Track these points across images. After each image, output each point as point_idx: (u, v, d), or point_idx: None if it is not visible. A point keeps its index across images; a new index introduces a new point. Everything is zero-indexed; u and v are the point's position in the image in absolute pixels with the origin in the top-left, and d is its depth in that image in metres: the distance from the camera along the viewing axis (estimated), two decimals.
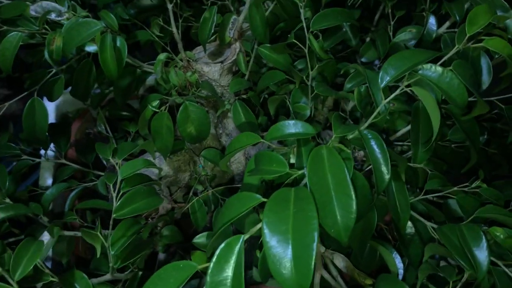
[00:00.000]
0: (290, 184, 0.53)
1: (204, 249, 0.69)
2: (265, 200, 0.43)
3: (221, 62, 0.83)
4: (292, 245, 0.39)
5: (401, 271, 0.64)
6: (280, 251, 0.39)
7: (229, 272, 0.40)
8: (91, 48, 0.69)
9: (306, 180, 0.47)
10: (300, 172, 0.50)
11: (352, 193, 0.46)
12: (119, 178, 0.55)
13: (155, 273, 0.42)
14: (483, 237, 0.53)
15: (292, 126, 0.55)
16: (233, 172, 0.88)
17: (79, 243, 0.85)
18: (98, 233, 0.57)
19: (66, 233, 0.68)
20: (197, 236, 0.69)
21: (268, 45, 0.79)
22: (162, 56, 0.79)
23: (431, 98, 0.50)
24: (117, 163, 0.58)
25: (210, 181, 0.82)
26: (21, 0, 0.68)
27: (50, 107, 0.95)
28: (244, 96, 0.83)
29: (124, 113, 0.88)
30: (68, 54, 0.64)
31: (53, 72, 0.71)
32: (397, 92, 0.52)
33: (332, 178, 0.47)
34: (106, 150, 0.59)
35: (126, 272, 0.65)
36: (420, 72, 0.51)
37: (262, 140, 0.55)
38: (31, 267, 0.47)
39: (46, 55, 0.66)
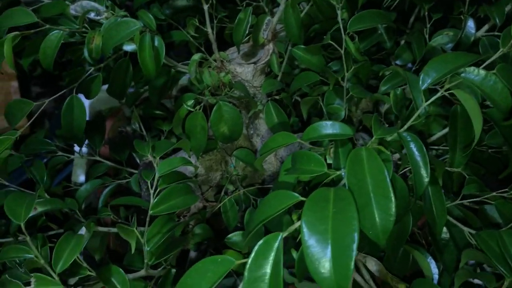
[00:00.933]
0: (327, 184, 0.52)
1: (236, 248, 0.69)
2: (303, 199, 0.43)
3: (254, 63, 0.83)
4: (331, 245, 0.39)
5: (436, 276, 0.63)
6: (319, 251, 0.39)
7: (267, 269, 0.40)
8: (129, 47, 0.70)
9: (344, 181, 0.47)
10: (338, 173, 0.50)
11: (392, 195, 0.45)
12: (157, 175, 0.56)
13: (192, 267, 0.42)
14: None
15: (329, 127, 0.55)
16: (266, 173, 0.88)
17: (110, 239, 0.86)
18: (134, 229, 0.57)
19: (100, 229, 0.69)
20: (230, 235, 0.69)
21: (302, 46, 0.79)
22: (196, 57, 0.80)
23: (473, 102, 0.49)
24: (154, 161, 0.58)
25: (241, 181, 0.82)
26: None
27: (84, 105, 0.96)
28: (277, 97, 0.83)
29: (158, 112, 0.89)
30: (107, 53, 0.65)
31: (91, 70, 0.73)
32: (438, 94, 0.52)
33: (371, 179, 0.46)
34: (144, 148, 0.60)
35: (159, 269, 0.65)
36: (462, 75, 0.50)
37: (298, 140, 0.55)
38: (72, 260, 0.48)
39: (86, 53, 0.67)
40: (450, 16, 0.82)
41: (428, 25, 0.80)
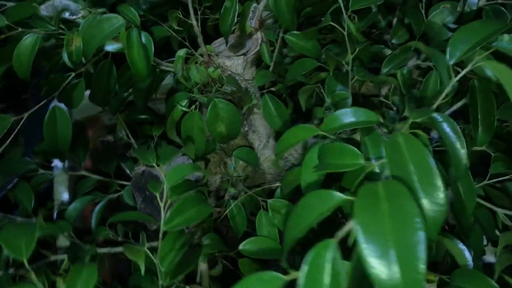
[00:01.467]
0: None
1: (253, 256, 0.64)
2: (350, 198, 0.38)
3: (244, 54, 0.78)
4: (395, 248, 0.34)
5: (470, 263, 0.60)
6: (381, 256, 0.34)
7: (326, 281, 0.35)
8: (111, 47, 0.63)
9: (386, 172, 0.42)
10: (375, 164, 0.45)
11: (440, 183, 0.41)
12: (166, 186, 0.50)
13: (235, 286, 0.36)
14: None
15: (351, 114, 0.50)
16: (265, 171, 0.82)
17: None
18: (145, 249, 0.51)
19: (100, 250, 0.63)
20: (244, 243, 0.64)
21: (296, 32, 0.74)
22: (181, 52, 0.73)
23: (507, 71, 0.45)
24: (160, 170, 0.52)
25: (243, 182, 0.77)
26: (28, 1, 0.63)
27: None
28: (273, 89, 0.78)
29: (144, 116, 0.82)
30: (89, 54, 0.58)
31: (71, 76, 0.65)
32: (469, 68, 0.47)
33: (415, 168, 0.42)
34: (147, 156, 0.53)
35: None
36: (494, 44, 0.46)
37: (320, 132, 0.50)
38: None
39: (65, 57, 0.60)
40: None
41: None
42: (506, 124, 0.69)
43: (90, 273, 0.42)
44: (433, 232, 0.41)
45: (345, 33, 0.65)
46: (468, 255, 0.60)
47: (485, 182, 0.61)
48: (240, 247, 0.64)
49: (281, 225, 0.67)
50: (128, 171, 0.82)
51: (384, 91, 0.79)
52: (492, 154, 0.60)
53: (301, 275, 0.35)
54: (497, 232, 0.67)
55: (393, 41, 0.80)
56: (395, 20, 0.83)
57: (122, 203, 0.80)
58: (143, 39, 0.60)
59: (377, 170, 0.46)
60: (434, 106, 0.49)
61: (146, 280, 0.59)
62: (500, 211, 0.59)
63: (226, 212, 0.69)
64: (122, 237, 0.71)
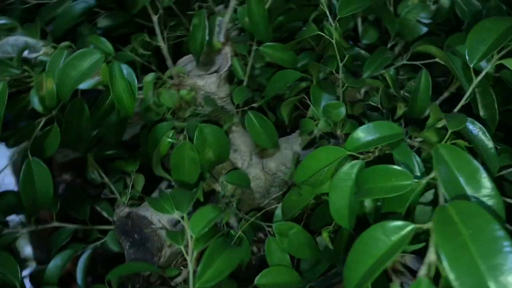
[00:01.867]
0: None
1: None
2: (425, 226, 0.35)
3: (216, 71, 0.73)
4: (488, 277, 0.31)
5: None
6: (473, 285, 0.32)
7: None
8: (84, 85, 0.56)
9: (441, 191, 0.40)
10: (424, 182, 0.42)
11: (493, 193, 0.39)
12: (190, 236, 0.44)
13: None
14: None
15: (373, 131, 0.47)
16: (253, 190, 0.78)
17: None
18: None
19: None
20: (260, 276, 0.59)
21: (271, 43, 0.71)
22: (150, 77, 0.67)
23: None
24: (182, 219, 0.46)
25: (236, 206, 0.72)
26: None
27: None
28: (255, 105, 0.74)
29: (112, 151, 0.75)
30: (66, 97, 0.51)
31: (42, 122, 0.57)
32: (488, 68, 0.46)
33: (465, 180, 0.40)
34: (165, 205, 0.47)
35: None
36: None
37: (348, 153, 0.47)
38: None
39: (36, 103, 0.52)
40: None
41: None
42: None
43: None
44: None
45: (333, 41, 0.62)
46: None
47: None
48: (257, 281, 0.59)
49: (290, 249, 0.64)
50: (105, 214, 0.74)
51: (362, 93, 0.78)
52: (498, 147, 0.60)
53: None
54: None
55: (364, 41, 0.79)
56: (359, 20, 0.82)
57: (104, 250, 0.73)
58: (125, 73, 0.53)
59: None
60: (456, 109, 0.48)
61: None
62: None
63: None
64: None
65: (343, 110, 0.65)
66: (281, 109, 0.74)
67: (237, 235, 0.64)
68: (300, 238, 0.64)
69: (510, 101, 0.66)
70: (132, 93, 0.53)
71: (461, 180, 0.40)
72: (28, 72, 0.53)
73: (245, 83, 0.77)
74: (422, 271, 0.34)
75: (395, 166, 0.42)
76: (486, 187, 0.39)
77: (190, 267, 0.44)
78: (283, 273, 0.61)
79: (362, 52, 0.76)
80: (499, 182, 0.62)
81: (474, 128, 0.47)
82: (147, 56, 0.75)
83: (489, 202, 0.39)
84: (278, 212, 0.69)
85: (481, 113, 0.57)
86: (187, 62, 0.76)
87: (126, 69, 0.54)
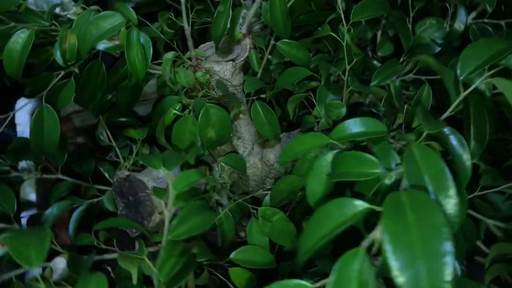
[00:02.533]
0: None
1: (245, 265, 0.62)
2: (377, 208, 0.38)
3: (233, 60, 0.77)
4: (422, 258, 0.34)
5: (458, 271, 0.61)
6: (409, 266, 0.34)
7: None
8: (102, 45, 0.60)
9: (404, 183, 0.43)
10: (392, 173, 0.45)
11: (454, 194, 0.41)
12: (172, 193, 0.48)
13: None
14: None
15: (360, 124, 0.50)
16: (249, 178, 0.81)
17: None
18: (144, 257, 0.49)
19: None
20: (236, 252, 0.62)
21: (288, 40, 0.74)
22: (170, 55, 0.71)
23: None
24: (166, 175, 0.50)
25: (230, 189, 0.76)
26: None
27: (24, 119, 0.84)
28: (263, 96, 0.77)
29: (127, 119, 0.79)
30: (84, 53, 0.56)
31: (61, 75, 0.62)
32: (476, 83, 0.49)
33: (429, 179, 0.42)
34: (153, 161, 0.51)
35: None
36: (503, 61, 0.48)
37: (331, 141, 0.50)
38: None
39: (57, 56, 0.57)
40: (430, 4, 0.81)
41: (412, 14, 0.78)
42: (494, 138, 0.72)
43: (100, 282, 0.40)
44: None
45: (343, 43, 0.65)
46: (457, 264, 0.62)
47: (476, 193, 0.62)
48: (232, 256, 0.63)
49: (272, 234, 0.67)
50: (107, 175, 0.79)
51: (368, 100, 0.80)
52: (483, 167, 0.62)
53: (328, 284, 0.35)
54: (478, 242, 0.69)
55: (379, 53, 0.81)
56: (379, 33, 0.85)
57: (100, 209, 0.77)
58: (142, 40, 0.58)
59: (390, 182, 0.46)
60: (442, 118, 0.50)
61: None
62: (490, 222, 0.61)
63: (215, 220, 0.68)
64: (103, 244, 0.68)
65: (343, 111, 0.67)
66: (287, 104, 0.77)
67: (223, 212, 0.67)
68: (283, 225, 0.67)
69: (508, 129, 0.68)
70: (145, 59, 0.58)
71: (426, 178, 0.42)
72: (56, 27, 0.58)
73: (259, 75, 0.81)
74: (364, 243, 0.36)
75: (366, 154, 0.45)
76: (447, 188, 0.42)
77: (167, 220, 0.48)
78: (258, 253, 0.64)
79: (375, 62, 0.79)
80: (479, 201, 0.64)
81: (454, 138, 0.49)
82: (172, 35, 0.80)
83: (448, 202, 0.42)
84: (267, 199, 0.72)
85: (472, 130, 0.60)
86: (208, 47, 0.80)
87: (143, 37, 0.58)
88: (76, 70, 0.66)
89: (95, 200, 0.75)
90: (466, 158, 0.49)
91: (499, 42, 0.49)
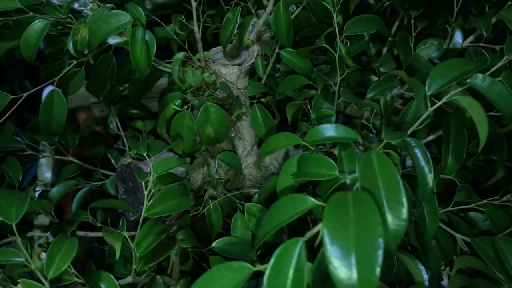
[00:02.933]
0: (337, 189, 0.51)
1: (224, 254, 0.66)
2: (321, 203, 0.41)
3: (239, 64, 0.81)
4: (355, 251, 0.37)
5: (426, 283, 0.64)
6: (343, 257, 0.38)
7: (289, 275, 0.38)
8: (113, 40, 0.66)
9: (356, 185, 0.46)
10: (349, 176, 0.48)
11: (405, 200, 0.44)
12: (152, 176, 0.53)
13: (205, 274, 0.39)
14: None
15: (333, 130, 0.54)
16: (245, 177, 0.86)
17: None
18: (123, 233, 0.54)
19: (78, 233, 0.65)
20: (217, 241, 0.67)
21: (291, 49, 0.78)
22: (180, 55, 0.77)
23: (478, 107, 0.49)
24: (149, 160, 0.55)
25: (224, 185, 0.80)
26: None
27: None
28: (263, 100, 0.82)
29: (136, 111, 0.85)
30: (94, 46, 0.61)
31: (73, 64, 0.68)
32: (444, 100, 0.52)
33: (383, 185, 0.46)
34: (139, 146, 0.56)
35: (144, 275, 0.62)
36: (469, 80, 0.51)
37: (302, 142, 0.54)
38: (65, 266, 0.44)
39: (70, 46, 0.63)
40: (433, 26, 0.83)
41: (414, 34, 0.81)
42: (474, 159, 0.74)
43: (71, 245, 0.45)
44: (393, 244, 0.44)
45: (336, 55, 0.69)
46: (425, 274, 0.64)
47: (449, 208, 0.65)
48: (214, 244, 0.67)
49: (255, 229, 0.71)
50: (113, 162, 0.85)
51: (366, 114, 0.84)
52: (458, 184, 0.65)
53: (268, 267, 0.39)
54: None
55: (381, 69, 0.85)
56: (385, 50, 0.88)
57: (103, 192, 0.83)
58: (147, 37, 0.63)
59: (349, 183, 0.50)
60: (409, 131, 0.53)
61: (120, 265, 0.62)
62: (458, 236, 0.63)
63: (203, 211, 0.72)
64: (101, 223, 0.73)
65: (332, 119, 0.71)
66: (286, 109, 0.81)
67: (212, 204, 0.72)
68: None
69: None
70: (148, 55, 0.63)
71: (380, 183, 0.46)
72: (72, 20, 0.64)
73: (263, 81, 0.85)
74: (307, 234, 0.40)
75: (327, 158, 0.48)
76: (398, 193, 0.45)
77: (146, 200, 0.53)
78: (240, 245, 0.68)
79: (375, 78, 0.82)
80: (454, 217, 0.67)
81: (418, 150, 0.52)
82: (185, 37, 0.85)
83: (398, 207, 0.45)
84: (256, 196, 0.76)
85: (451, 147, 0.62)
86: (218, 51, 0.85)
87: (149, 34, 0.63)
88: (91, 61, 0.72)
89: (99, 183, 0.81)
90: (428, 170, 0.52)
91: (467, 62, 0.52)
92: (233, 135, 0.86)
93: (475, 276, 0.59)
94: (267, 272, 0.38)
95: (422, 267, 0.65)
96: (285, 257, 0.39)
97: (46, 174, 0.90)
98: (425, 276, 0.65)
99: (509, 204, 0.60)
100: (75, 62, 0.68)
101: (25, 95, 0.63)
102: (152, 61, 0.78)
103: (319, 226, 0.41)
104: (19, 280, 0.43)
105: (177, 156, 0.68)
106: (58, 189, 0.76)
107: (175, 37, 0.83)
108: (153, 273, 0.63)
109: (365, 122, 0.77)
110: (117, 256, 0.57)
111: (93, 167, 0.84)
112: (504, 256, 0.53)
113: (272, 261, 0.39)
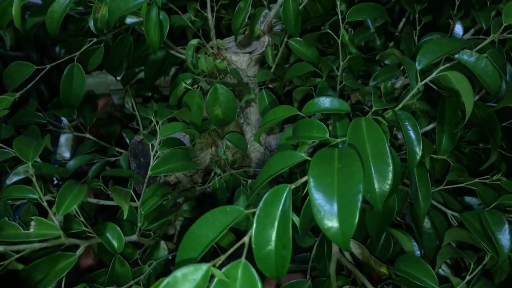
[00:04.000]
0: None
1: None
2: (309, 158, 0.45)
3: (250, 53, 0.86)
4: (337, 196, 0.41)
5: (417, 252, 0.66)
6: (325, 202, 0.41)
7: (276, 216, 0.41)
8: (131, 20, 0.71)
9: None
10: (339, 140, 0.52)
11: (390, 161, 0.48)
12: (159, 137, 0.57)
13: (201, 217, 0.43)
14: (506, 222, 0.55)
15: (328, 102, 0.57)
16: (252, 160, 0.89)
17: None
18: (130, 191, 0.58)
19: (89, 200, 0.69)
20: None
21: (298, 38, 0.82)
22: (194, 41, 0.81)
23: (465, 81, 0.52)
24: (156, 124, 0.59)
25: (231, 165, 0.84)
26: None
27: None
28: (271, 86, 0.86)
29: (150, 93, 0.90)
30: (112, 23, 0.66)
31: (93, 41, 0.73)
32: (433, 75, 0.55)
33: (370, 147, 0.49)
34: (147, 111, 0.60)
35: (149, 239, 0.66)
36: (456, 56, 0.54)
37: (298, 113, 0.57)
38: (74, 205, 0.48)
39: (91, 23, 0.68)
40: (438, 20, 0.87)
41: (418, 28, 0.85)
42: (473, 147, 0.77)
43: (81, 190, 0.49)
44: (378, 203, 0.47)
45: (339, 41, 0.73)
46: (417, 250, 0.67)
47: (442, 187, 0.67)
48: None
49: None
50: (127, 141, 0.90)
51: (369, 104, 0.87)
52: (452, 163, 0.67)
53: (257, 208, 0.42)
54: None
55: (386, 61, 0.88)
56: (391, 44, 0.92)
57: (119, 167, 0.87)
58: (161, 16, 0.68)
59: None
60: (400, 105, 0.57)
61: (127, 227, 0.66)
62: (449, 212, 0.66)
63: (207, 186, 0.76)
64: None
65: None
66: (293, 95, 0.85)
67: (216, 179, 0.76)
68: None
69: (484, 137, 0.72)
70: (161, 34, 0.67)
71: (367, 145, 0.49)
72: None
73: (272, 70, 0.89)
74: (292, 185, 0.44)
75: (319, 122, 0.52)
76: (384, 154, 0.48)
77: (152, 160, 0.57)
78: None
79: (378, 68, 0.86)
80: (444, 195, 0.69)
81: (408, 123, 0.55)
82: (200, 25, 0.90)
83: (383, 167, 0.48)
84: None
85: (445, 128, 0.65)
86: (231, 41, 0.90)
87: (163, 14, 0.68)
88: (110, 42, 0.77)
89: (113, 159, 0.86)
90: (417, 141, 0.55)
91: (456, 41, 0.55)
92: (242, 121, 0.90)
93: (463, 248, 0.62)
94: (256, 213, 0.42)
95: (415, 244, 0.68)
96: (273, 201, 0.43)
97: (65, 154, 0.95)
98: (418, 252, 0.67)
99: (499, 183, 0.62)
100: (95, 39, 0.73)
101: (48, 66, 0.68)
102: (167, 46, 0.84)
103: (305, 178, 0.45)
104: (32, 217, 0.47)
105: (187, 137, 0.72)
106: (75, 162, 0.81)
107: (190, 25, 0.88)
108: (158, 238, 0.67)
109: (368, 108, 0.80)
110: (125, 216, 0.61)
111: (108, 145, 0.89)
112: (489, 228, 0.56)
113: (261, 203, 0.42)
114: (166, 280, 0.33)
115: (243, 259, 0.36)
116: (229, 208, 0.44)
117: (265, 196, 0.43)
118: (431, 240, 0.70)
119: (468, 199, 0.72)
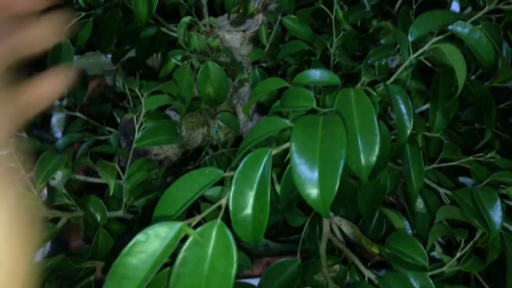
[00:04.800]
0: None
1: (213, 201, 0.69)
2: (293, 124, 0.44)
3: (243, 31, 0.84)
4: (319, 162, 0.39)
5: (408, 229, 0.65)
6: (307, 168, 0.40)
7: (255, 180, 0.40)
8: None
9: None
10: (326, 110, 0.50)
11: (378, 132, 0.46)
12: (143, 110, 0.56)
13: (180, 178, 0.42)
14: (498, 198, 0.54)
15: (318, 74, 0.56)
16: None
17: None
18: (116, 165, 0.57)
19: (77, 176, 0.68)
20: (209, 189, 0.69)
21: (292, 16, 0.81)
22: (186, 19, 0.80)
23: (458, 54, 0.51)
24: (141, 97, 0.58)
25: (223, 145, 0.83)
26: None
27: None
28: (264, 65, 0.84)
29: (141, 71, 0.89)
30: None
31: (82, 15, 0.72)
32: (426, 47, 0.53)
33: (358, 118, 0.47)
34: (132, 83, 0.59)
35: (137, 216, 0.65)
36: (450, 27, 0.52)
37: (288, 85, 0.56)
38: (53, 174, 0.47)
39: None
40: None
41: (415, 7, 0.83)
42: (469, 127, 0.75)
43: (61, 159, 0.48)
44: (363, 174, 0.46)
45: (332, 17, 0.71)
46: (409, 229, 0.65)
47: (435, 165, 0.66)
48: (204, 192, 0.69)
49: None
50: (118, 120, 0.88)
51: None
52: (445, 142, 0.66)
53: (236, 171, 0.41)
54: None
55: (381, 41, 0.86)
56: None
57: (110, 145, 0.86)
58: None
59: None
60: (392, 79, 0.55)
61: (114, 203, 0.65)
62: (442, 190, 0.64)
63: (197, 164, 0.75)
64: None
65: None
66: (287, 75, 0.84)
67: (207, 157, 0.75)
68: None
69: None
70: (150, 7, 0.66)
71: (355, 116, 0.48)
72: None
73: (266, 49, 0.88)
74: (274, 150, 0.42)
75: (306, 90, 0.50)
76: (371, 125, 0.47)
77: (136, 133, 0.56)
78: None
79: (373, 47, 0.84)
80: (437, 173, 0.68)
81: (400, 97, 0.54)
82: (192, 3, 0.88)
83: (371, 138, 0.47)
84: None
85: (439, 105, 0.64)
86: (224, 19, 0.88)
87: None
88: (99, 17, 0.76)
89: (103, 137, 0.85)
90: (408, 115, 0.53)
91: (450, 13, 0.53)
92: (235, 101, 0.89)
93: (455, 227, 0.60)
94: (235, 175, 0.41)
95: (407, 223, 0.66)
96: (253, 165, 0.41)
97: (57, 134, 0.94)
98: (409, 232, 0.66)
99: (493, 161, 0.61)
100: (83, 13, 0.72)
101: None
102: (157, 19, 0.82)
103: (287, 144, 0.44)
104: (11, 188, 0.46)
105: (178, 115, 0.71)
106: (64, 140, 0.79)
107: (182, 2, 0.86)
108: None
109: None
110: (111, 192, 0.60)
111: (99, 124, 0.87)
112: (481, 204, 0.54)
113: (240, 166, 0.41)
114: (136, 237, 0.31)
115: (218, 220, 0.35)
116: (208, 170, 0.43)
117: (245, 159, 0.41)
118: (424, 221, 0.69)
119: (462, 179, 0.71)
